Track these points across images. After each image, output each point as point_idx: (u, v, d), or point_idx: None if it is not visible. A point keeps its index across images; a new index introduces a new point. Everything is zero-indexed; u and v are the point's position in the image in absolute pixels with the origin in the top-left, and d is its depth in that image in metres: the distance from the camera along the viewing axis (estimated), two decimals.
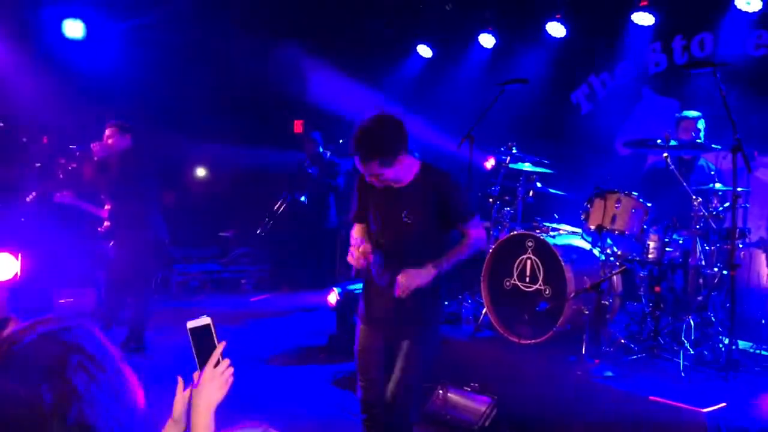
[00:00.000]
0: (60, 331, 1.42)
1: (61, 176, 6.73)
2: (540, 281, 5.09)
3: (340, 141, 8.51)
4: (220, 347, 1.97)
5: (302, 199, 8.37)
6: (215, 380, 1.94)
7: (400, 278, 3.30)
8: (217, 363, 1.96)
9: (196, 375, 1.98)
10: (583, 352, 4.63)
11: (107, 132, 6.21)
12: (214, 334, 1.98)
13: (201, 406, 1.89)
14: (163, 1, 8.19)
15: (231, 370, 1.97)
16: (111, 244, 6.42)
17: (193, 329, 1.97)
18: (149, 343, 6.37)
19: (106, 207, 6.36)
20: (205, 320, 1.98)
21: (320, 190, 8.40)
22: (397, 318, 3.46)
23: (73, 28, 8.03)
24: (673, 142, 4.94)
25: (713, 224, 4.85)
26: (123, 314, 6.48)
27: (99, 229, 6.44)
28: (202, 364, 1.96)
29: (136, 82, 8.29)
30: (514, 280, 5.25)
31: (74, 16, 7.97)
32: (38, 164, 7.96)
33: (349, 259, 3.37)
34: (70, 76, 8.04)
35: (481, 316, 5.50)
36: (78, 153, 6.53)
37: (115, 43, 8.31)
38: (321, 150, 8.47)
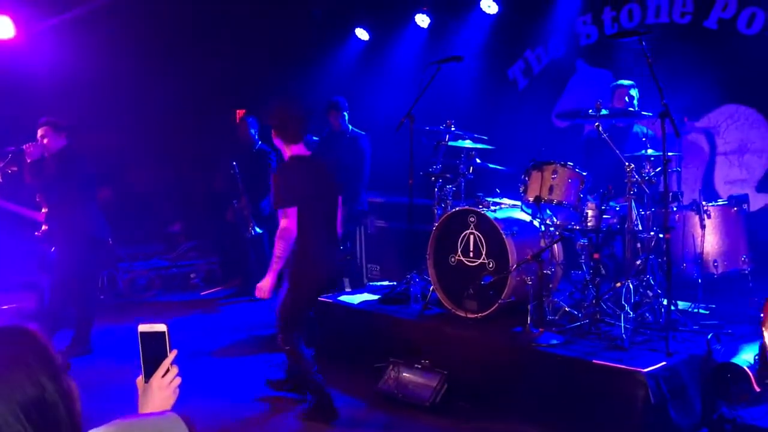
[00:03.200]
0: (17, 331, 1.46)
1: None
2: (483, 255, 5.16)
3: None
4: (171, 356, 1.90)
5: (259, 231, 8.19)
6: (162, 390, 1.87)
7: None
8: (166, 372, 1.89)
9: (139, 381, 1.92)
10: (528, 322, 4.70)
11: (40, 132, 6.05)
12: (168, 343, 1.89)
13: None
14: None
15: (178, 380, 1.91)
16: (52, 247, 6.29)
17: (144, 333, 1.89)
18: (96, 344, 6.28)
19: (43, 210, 6.22)
20: (160, 327, 1.89)
21: (253, 178, 8.19)
22: None
23: (1, 26, 7.75)
24: (604, 111, 5.03)
25: (647, 189, 4.97)
26: (68, 316, 6.37)
27: (36, 233, 6.30)
28: (149, 372, 1.88)
29: (71, 78, 8.06)
30: (459, 256, 5.31)
31: (0, 12, 7.70)
32: None
33: None
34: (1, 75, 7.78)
35: (429, 294, 5.55)
36: (11, 155, 6.33)
37: (46, 40, 8.08)
38: (255, 137, 8.28)
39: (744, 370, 3.71)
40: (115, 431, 1.32)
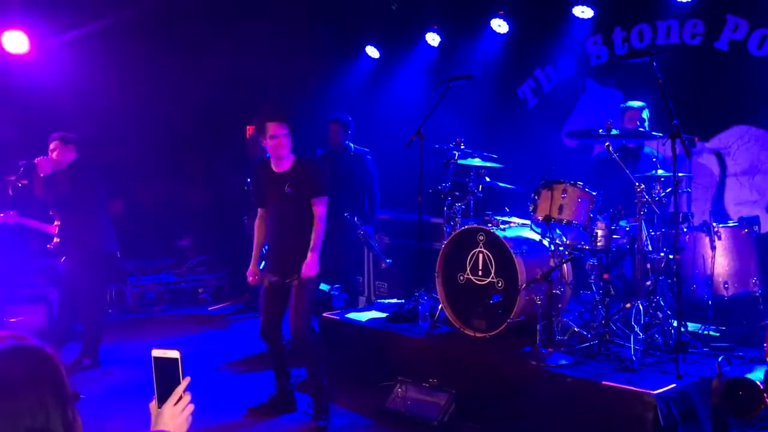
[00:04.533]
0: (35, 352, 1.43)
1: (10, 193, 6.57)
2: (492, 274, 5.15)
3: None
4: (183, 383, 1.88)
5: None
6: (174, 419, 1.86)
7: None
8: (179, 399, 1.87)
9: (152, 406, 1.90)
10: (537, 342, 4.68)
11: (51, 146, 6.12)
12: (180, 369, 1.88)
13: None
14: (108, 9, 8.06)
15: (191, 407, 1.89)
16: (62, 260, 6.32)
17: (157, 359, 1.88)
18: (105, 358, 6.28)
19: (56, 223, 6.25)
20: (173, 353, 1.87)
21: None
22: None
23: (15, 41, 7.81)
24: (614, 131, 5.03)
25: (657, 210, 4.96)
26: (76, 330, 6.39)
27: (48, 246, 6.34)
28: (162, 397, 1.87)
29: (83, 92, 8.13)
30: (468, 274, 5.30)
31: (15, 28, 7.77)
32: None
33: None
34: (14, 90, 7.85)
35: (437, 312, 5.53)
36: (23, 169, 6.38)
37: (59, 55, 8.16)
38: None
39: (756, 384, 3.66)
40: None
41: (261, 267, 5.15)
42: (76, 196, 6.03)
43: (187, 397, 1.88)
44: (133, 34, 8.51)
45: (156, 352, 1.88)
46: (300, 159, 4.98)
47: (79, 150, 6.18)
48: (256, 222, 5.15)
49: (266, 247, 5.18)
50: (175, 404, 1.87)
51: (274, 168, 4.96)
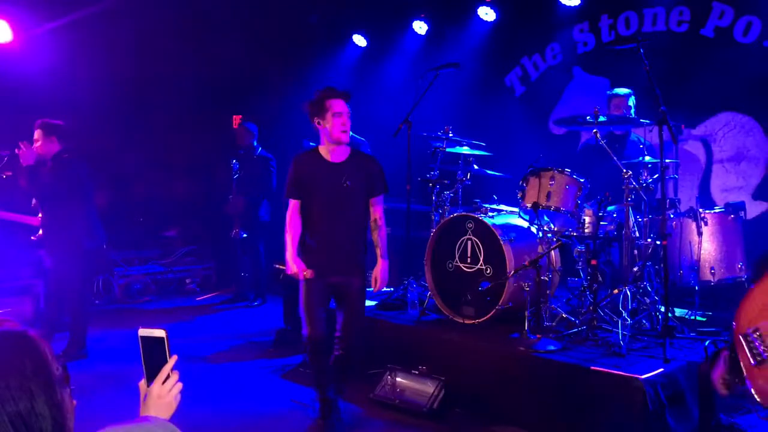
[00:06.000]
0: (15, 335, 1.44)
1: None
2: (481, 261, 5.16)
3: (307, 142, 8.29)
4: (171, 362, 1.88)
5: (244, 235, 8.24)
6: (162, 398, 1.86)
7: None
8: (167, 378, 1.88)
9: (142, 385, 1.91)
10: (526, 329, 4.70)
11: (35, 134, 6.04)
12: (167, 348, 1.89)
13: None
14: None
15: (179, 386, 1.90)
16: (44, 252, 6.27)
17: (144, 338, 1.89)
18: (92, 348, 6.25)
19: (40, 215, 6.19)
20: (159, 332, 1.88)
21: (254, 184, 8.22)
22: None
23: None
24: (602, 118, 5.04)
25: (644, 196, 4.98)
26: (64, 321, 6.35)
27: (32, 237, 6.28)
28: (150, 376, 1.88)
29: (68, 82, 8.05)
30: (456, 262, 5.31)
31: None
32: None
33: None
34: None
35: (426, 300, 5.54)
36: (6, 159, 6.31)
37: (44, 44, 8.07)
38: (255, 143, 8.29)
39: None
40: None
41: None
42: (59, 190, 5.94)
43: (175, 376, 1.89)
44: (119, 22, 8.42)
45: (142, 332, 1.89)
46: (357, 151, 4.57)
47: (64, 141, 6.08)
48: (289, 214, 4.49)
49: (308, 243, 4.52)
50: (164, 383, 1.87)
51: (328, 157, 4.42)
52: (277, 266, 6.59)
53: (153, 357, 1.89)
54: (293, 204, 4.49)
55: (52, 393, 1.41)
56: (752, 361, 3.00)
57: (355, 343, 4.48)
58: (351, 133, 7.04)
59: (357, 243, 4.46)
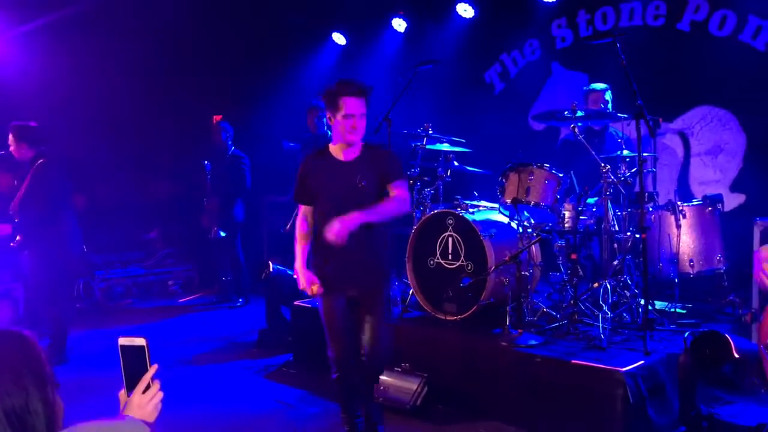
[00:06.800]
0: (10, 335, 1.49)
1: None
2: (462, 257, 5.16)
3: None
4: (151, 371, 1.87)
5: (222, 234, 8.20)
6: (143, 408, 1.85)
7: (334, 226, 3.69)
8: (147, 387, 1.87)
9: (121, 395, 1.90)
10: (507, 324, 4.72)
11: (8, 139, 5.98)
12: (147, 357, 1.87)
13: None
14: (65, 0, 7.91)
15: (161, 395, 1.89)
16: (24, 255, 6.20)
17: (124, 347, 1.87)
18: (72, 353, 6.20)
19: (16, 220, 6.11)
20: (139, 341, 1.87)
21: (227, 183, 8.18)
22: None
23: None
24: (580, 113, 5.06)
25: (623, 190, 5.01)
26: (43, 326, 6.29)
27: (12, 244, 6.20)
28: (131, 385, 1.86)
29: (43, 85, 7.97)
30: (438, 259, 5.31)
31: None
32: None
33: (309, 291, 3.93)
34: None
35: (408, 297, 5.54)
36: None
37: (16, 47, 7.99)
38: (228, 142, 8.22)
39: (725, 336, 3.70)
40: None
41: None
42: (36, 195, 5.89)
43: (156, 385, 1.88)
44: (92, 24, 8.35)
45: (122, 341, 1.87)
46: (369, 145, 4.05)
47: (36, 145, 5.99)
48: (299, 222, 4.10)
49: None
50: (144, 392, 1.86)
51: (340, 156, 3.96)
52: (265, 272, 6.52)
53: (133, 366, 1.87)
54: (302, 209, 4.10)
55: (45, 391, 1.45)
56: None
57: (383, 363, 4.09)
58: (329, 131, 6.93)
59: (377, 249, 3.99)
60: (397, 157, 4.06)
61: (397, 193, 3.89)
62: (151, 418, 1.85)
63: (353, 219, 3.70)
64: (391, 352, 4.20)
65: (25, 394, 1.39)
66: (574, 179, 5.24)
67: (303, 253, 4.04)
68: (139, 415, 1.82)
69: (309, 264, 4.02)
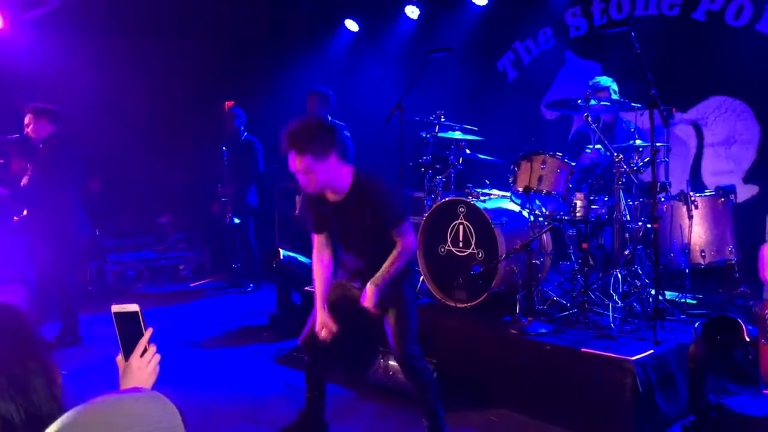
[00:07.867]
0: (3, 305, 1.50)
1: None
2: (473, 245, 5.18)
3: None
4: (147, 335, 1.89)
5: (236, 220, 8.23)
6: (142, 371, 1.87)
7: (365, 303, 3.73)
8: (144, 351, 1.89)
9: (119, 360, 1.93)
10: (517, 312, 4.73)
11: (26, 120, 6.01)
12: (142, 322, 1.89)
13: None
14: None
15: (158, 357, 1.91)
16: (33, 237, 6.23)
17: (118, 314, 1.90)
18: (85, 334, 6.26)
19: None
20: (132, 307, 1.89)
21: (240, 168, 8.20)
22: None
23: None
24: (593, 102, 5.05)
25: (635, 180, 5.00)
26: (56, 308, 6.35)
27: (15, 218, 6.24)
28: (127, 351, 1.89)
29: (58, 69, 8.01)
30: (448, 246, 5.33)
31: None
32: None
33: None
34: None
35: (419, 284, 5.56)
36: None
37: (34, 30, 8.02)
38: (241, 128, 8.25)
39: (737, 320, 3.70)
40: (95, 409, 1.33)
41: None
42: (49, 172, 5.91)
43: (152, 348, 1.90)
44: (111, 10, 8.38)
45: (115, 308, 1.90)
46: (357, 182, 3.74)
47: (55, 124, 6.03)
48: (315, 255, 4.00)
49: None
50: (141, 356, 1.89)
51: (328, 197, 3.81)
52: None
53: (129, 332, 1.90)
54: (316, 239, 3.99)
55: (41, 360, 1.45)
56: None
57: (412, 360, 3.95)
58: (329, 117, 6.73)
59: (397, 280, 3.82)
60: (388, 195, 3.78)
61: (403, 243, 3.74)
62: (151, 380, 1.88)
63: (379, 285, 3.69)
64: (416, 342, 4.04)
65: (23, 365, 1.40)
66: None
67: (323, 292, 3.93)
68: (139, 378, 1.86)
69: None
